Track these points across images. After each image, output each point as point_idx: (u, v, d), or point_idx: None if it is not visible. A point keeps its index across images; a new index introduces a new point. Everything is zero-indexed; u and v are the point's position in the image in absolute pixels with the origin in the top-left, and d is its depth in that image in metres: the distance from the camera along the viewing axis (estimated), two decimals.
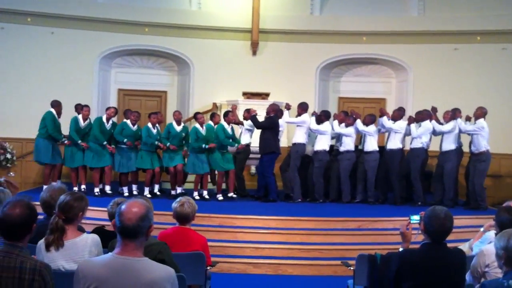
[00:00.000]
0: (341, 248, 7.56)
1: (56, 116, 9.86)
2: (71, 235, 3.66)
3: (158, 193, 10.01)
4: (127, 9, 12.54)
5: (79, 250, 3.62)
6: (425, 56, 12.78)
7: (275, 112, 10.06)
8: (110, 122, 9.96)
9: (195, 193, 9.70)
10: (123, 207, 2.76)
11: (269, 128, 9.90)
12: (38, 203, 4.06)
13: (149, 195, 9.63)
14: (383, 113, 10.27)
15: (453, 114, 9.81)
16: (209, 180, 10.36)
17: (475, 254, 4.16)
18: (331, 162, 10.26)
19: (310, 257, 7.45)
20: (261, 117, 10.19)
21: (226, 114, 10.17)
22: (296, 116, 10.35)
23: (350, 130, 10.14)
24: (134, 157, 9.89)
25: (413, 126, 10.01)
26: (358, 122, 10.16)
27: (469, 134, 9.73)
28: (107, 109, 10.19)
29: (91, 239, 3.69)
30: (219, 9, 12.93)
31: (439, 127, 9.82)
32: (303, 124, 10.13)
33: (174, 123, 10.04)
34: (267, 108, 10.24)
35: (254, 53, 12.97)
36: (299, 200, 9.99)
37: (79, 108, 10.15)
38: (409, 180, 10.02)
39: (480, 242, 4.69)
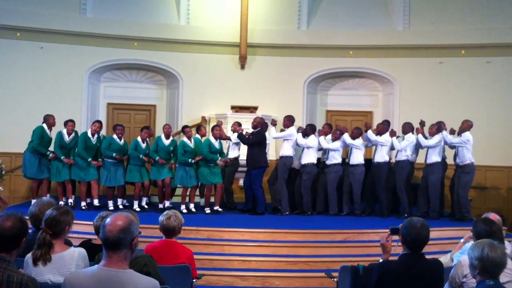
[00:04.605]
0: (327, 260, 7.61)
1: (47, 130, 9.89)
2: (58, 248, 3.70)
3: (146, 206, 10.08)
4: (116, 24, 12.63)
5: (66, 263, 3.66)
6: (411, 70, 12.96)
7: (261, 125, 10.13)
8: (96, 136, 9.90)
9: (183, 207, 9.74)
10: (107, 220, 2.86)
11: (258, 143, 10.00)
12: (27, 217, 4.11)
13: (138, 209, 9.71)
14: (367, 127, 10.41)
15: (438, 127, 9.90)
16: (198, 193, 10.45)
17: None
18: (318, 175, 10.33)
19: (297, 269, 7.50)
20: (247, 130, 10.31)
21: (213, 128, 10.23)
22: (281, 130, 10.42)
23: (337, 144, 10.19)
24: (121, 171, 9.89)
25: (394, 139, 10.08)
26: (346, 136, 10.23)
27: (454, 146, 9.86)
28: (93, 123, 10.12)
29: (78, 253, 3.74)
30: (207, 24, 13.05)
31: (425, 142, 9.91)
32: (290, 137, 10.18)
33: (163, 136, 10.09)
34: (252, 122, 10.28)
35: (243, 67, 13.08)
36: (287, 212, 10.05)
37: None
38: (396, 192, 10.11)
39: (460, 253, 4.80)
